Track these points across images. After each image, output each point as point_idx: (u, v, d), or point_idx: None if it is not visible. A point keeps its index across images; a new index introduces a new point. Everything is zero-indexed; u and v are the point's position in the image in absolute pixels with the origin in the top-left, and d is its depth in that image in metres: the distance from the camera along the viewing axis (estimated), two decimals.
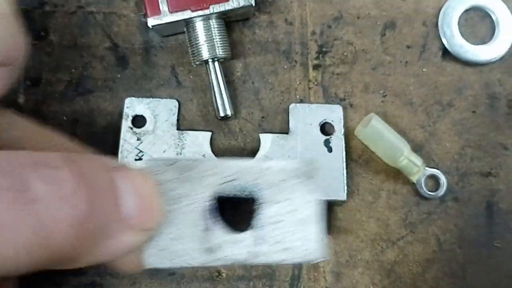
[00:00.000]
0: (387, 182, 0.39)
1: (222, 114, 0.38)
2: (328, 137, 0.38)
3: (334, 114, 0.39)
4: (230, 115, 0.38)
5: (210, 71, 0.38)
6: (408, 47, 0.41)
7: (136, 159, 0.38)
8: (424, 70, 0.40)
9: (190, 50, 0.38)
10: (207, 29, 0.37)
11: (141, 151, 0.38)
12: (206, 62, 0.38)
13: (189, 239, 0.32)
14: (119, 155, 0.38)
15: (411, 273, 0.38)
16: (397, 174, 0.38)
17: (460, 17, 0.41)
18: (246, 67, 0.40)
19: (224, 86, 0.38)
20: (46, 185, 0.22)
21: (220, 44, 0.38)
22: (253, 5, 0.37)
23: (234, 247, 0.32)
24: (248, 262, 0.32)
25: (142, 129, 0.38)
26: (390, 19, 0.41)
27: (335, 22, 0.41)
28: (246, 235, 0.32)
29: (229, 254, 0.32)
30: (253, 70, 0.40)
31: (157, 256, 0.31)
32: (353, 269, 0.38)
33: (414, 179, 0.38)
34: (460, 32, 0.41)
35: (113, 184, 0.26)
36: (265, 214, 0.32)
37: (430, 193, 0.38)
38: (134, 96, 0.39)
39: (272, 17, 0.41)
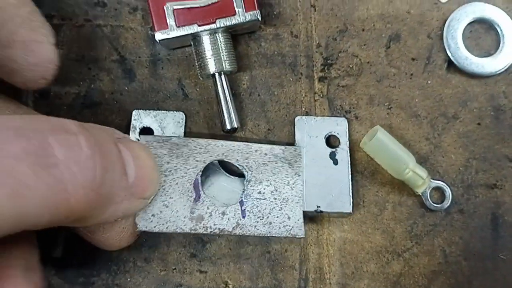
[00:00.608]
0: (392, 194, 0.39)
1: (228, 127, 0.38)
2: (333, 149, 0.38)
3: (339, 126, 0.39)
4: (236, 128, 0.38)
5: (216, 84, 0.38)
6: (413, 59, 0.41)
7: None
8: (429, 82, 0.41)
9: (197, 64, 0.39)
10: (214, 43, 0.38)
11: None
12: (213, 75, 0.38)
13: (180, 207, 0.35)
14: None
15: (417, 285, 0.38)
16: (402, 186, 0.39)
17: (464, 30, 0.41)
18: (252, 79, 0.41)
19: (231, 99, 0.38)
20: (65, 149, 0.24)
21: (227, 58, 0.38)
22: (259, 19, 0.38)
23: (222, 218, 0.35)
24: (234, 232, 0.35)
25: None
26: (395, 32, 0.41)
27: (340, 34, 0.41)
28: (233, 208, 0.36)
29: (217, 223, 0.35)
30: (259, 82, 0.41)
31: (150, 221, 0.34)
32: (358, 281, 0.38)
33: (419, 191, 0.38)
34: (465, 45, 0.41)
35: (120, 154, 0.28)
36: (252, 190, 0.36)
37: (435, 205, 0.38)
38: (141, 109, 0.39)
39: (278, 30, 0.41)
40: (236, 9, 0.37)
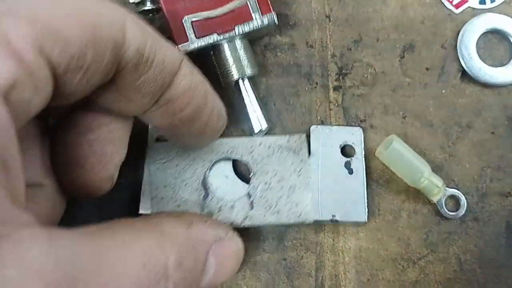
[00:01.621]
0: (407, 202, 0.39)
1: (258, 129, 0.38)
2: (348, 159, 0.39)
3: (355, 136, 0.40)
4: (265, 129, 0.38)
5: (241, 89, 0.39)
6: (427, 69, 0.41)
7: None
8: (443, 92, 0.41)
9: (219, 72, 0.39)
10: (234, 50, 0.38)
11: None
12: (236, 81, 0.39)
13: (190, 206, 0.37)
14: (144, 174, 0.39)
15: None
16: (417, 194, 0.39)
17: (478, 40, 0.42)
18: (268, 89, 0.41)
19: (257, 102, 0.39)
20: (216, 262, 0.30)
21: (248, 62, 0.39)
22: (276, 21, 0.38)
23: (231, 211, 0.37)
24: (244, 225, 0.37)
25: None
26: (409, 42, 0.42)
27: (355, 44, 0.42)
28: (241, 201, 0.37)
29: (226, 217, 0.37)
30: (275, 92, 0.41)
31: None
32: None
33: (434, 199, 0.38)
34: (479, 55, 0.41)
35: (204, 266, 0.29)
36: (258, 182, 0.37)
37: (450, 213, 0.39)
38: None
39: (294, 40, 0.42)
40: (253, 14, 0.38)
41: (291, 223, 0.37)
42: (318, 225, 0.39)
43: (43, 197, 0.31)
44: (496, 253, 0.39)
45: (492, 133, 0.40)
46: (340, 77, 0.41)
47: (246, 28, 0.38)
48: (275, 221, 0.37)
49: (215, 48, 0.39)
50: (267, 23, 0.38)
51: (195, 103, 0.32)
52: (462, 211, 0.39)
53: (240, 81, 0.39)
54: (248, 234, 0.39)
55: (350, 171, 0.39)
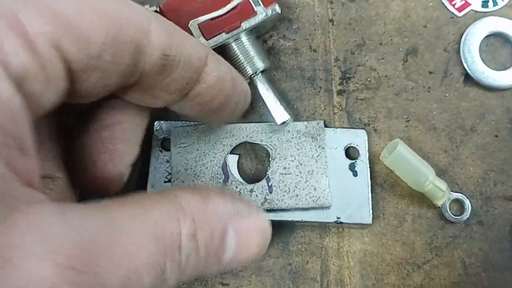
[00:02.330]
0: (412, 206, 0.39)
1: (281, 121, 0.38)
2: (353, 161, 0.39)
3: (359, 138, 0.40)
4: (288, 120, 0.38)
5: (257, 85, 0.39)
6: (430, 72, 0.41)
7: (165, 181, 0.39)
8: (446, 95, 0.41)
9: None
10: (242, 47, 0.38)
11: (170, 173, 0.39)
12: (250, 77, 0.39)
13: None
14: (149, 176, 0.39)
15: None
16: (422, 198, 0.39)
17: (481, 43, 0.42)
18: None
19: (275, 94, 0.39)
20: (237, 237, 0.29)
21: (259, 57, 0.39)
22: (279, 11, 0.38)
23: (250, 195, 0.38)
24: (263, 208, 0.37)
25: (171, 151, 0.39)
26: (412, 45, 0.42)
27: (358, 48, 0.42)
28: (260, 185, 0.38)
29: None
30: (278, 96, 0.41)
31: None
32: None
33: (439, 203, 0.38)
34: (481, 58, 0.41)
35: (223, 241, 0.29)
36: (277, 167, 0.38)
37: (455, 217, 0.39)
38: (162, 120, 0.40)
39: (297, 44, 0.42)
40: (256, 8, 0.38)
41: (309, 207, 0.37)
42: (323, 229, 0.39)
43: (54, 190, 0.31)
44: (501, 256, 0.39)
45: (496, 136, 0.40)
46: (344, 81, 0.41)
47: (252, 22, 0.38)
48: (293, 205, 0.37)
49: (224, 49, 0.39)
50: (270, 14, 0.38)
51: (223, 94, 0.32)
52: (466, 215, 0.39)
53: (256, 77, 0.39)
54: None
55: (355, 173, 0.39)
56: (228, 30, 0.38)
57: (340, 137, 0.40)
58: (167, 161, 0.39)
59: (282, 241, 0.39)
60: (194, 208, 0.27)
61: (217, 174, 0.38)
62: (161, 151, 0.39)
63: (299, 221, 0.38)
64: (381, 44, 0.42)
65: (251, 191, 0.38)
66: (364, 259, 0.39)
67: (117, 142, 0.32)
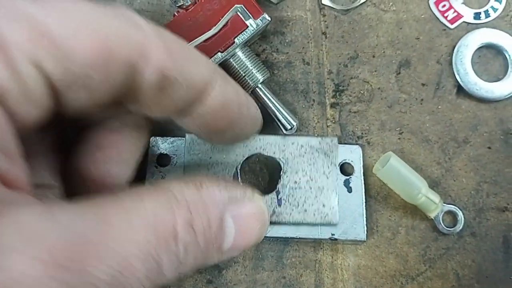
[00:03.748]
0: (405, 218, 0.40)
1: (289, 127, 0.38)
2: (347, 177, 0.39)
3: (353, 154, 0.40)
4: (295, 125, 0.39)
5: (259, 96, 0.39)
6: (423, 84, 0.42)
7: None
8: (439, 107, 0.41)
9: None
10: (240, 62, 0.38)
11: None
12: (252, 90, 0.39)
13: None
14: None
15: None
16: (415, 210, 0.39)
17: (473, 55, 0.42)
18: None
19: (279, 103, 0.39)
20: (235, 224, 0.29)
21: (257, 68, 0.39)
22: (270, 19, 0.38)
23: None
24: (271, 220, 0.37)
25: (167, 167, 0.40)
26: (405, 58, 0.42)
27: (351, 61, 0.42)
28: (270, 197, 0.38)
29: None
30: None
31: None
32: None
33: (432, 215, 0.39)
34: (474, 70, 0.42)
35: (222, 230, 0.29)
36: (288, 180, 0.38)
37: (448, 228, 0.39)
38: (158, 136, 0.40)
39: (290, 57, 0.42)
40: (246, 22, 0.38)
41: (316, 223, 0.38)
42: (317, 243, 0.39)
43: (51, 198, 0.31)
44: (494, 267, 0.39)
45: (489, 148, 0.41)
46: (337, 94, 0.42)
47: (245, 36, 0.38)
48: (301, 219, 0.38)
49: (222, 66, 0.39)
50: (261, 24, 0.38)
51: (228, 118, 0.32)
52: (459, 227, 0.39)
53: (256, 89, 0.39)
54: (247, 251, 0.39)
55: (349, 189, 0.39)
56: (223, 49, 0.38)
57: None
58: (163, 178, 0.39)
59: (276, 254, 0.39)
60: (188, 197, 0.27)
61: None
62: (156, 167, 0.39)
63: (294, 238, 0.38)
64: (374, 56, 0.42)
65: None
66: (358, 271, 0.39)
67: (110, 163, 0.32)
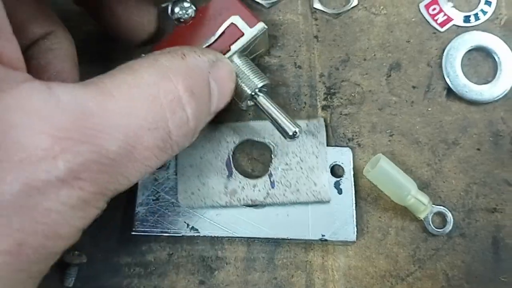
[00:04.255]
0: (395, 219, 0.40)
1: (291, 133, 0.36)
2: (338, 179, 0.40)
3: (344, 156, 0.40)
4: (298, 131, 0.36)
5: (260, 102, 0.37)
6: (414, 87, 0.42)
7: (153, 200, 0.39)
8: (429, 109, 0.42)
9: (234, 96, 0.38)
10: (237, 68, 0.37)
11: (158, 192, 0.40)
12: (252, 98, 0.38)
13: (215, 184, 0.39)
14: (138, 195, 0.39)
15: None
16: (405, 211, 0.40)
17: (463, 58, 0.42)
18: (258, 110, 0.42)
19: (278, 109, 0.37)
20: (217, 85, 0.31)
21: (255, 75, 0.38)
22: (266, 27, 0.38)
23: (253, 190, 0.39)
24: (266, 202, 0.39)
25: (160, 170, 0.40)
26: (396, 61, 0.42)
27: (342, 64, 0.43)
28: (263, 180, 0.39)
29: (248, 195, 0.39)
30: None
31: (189, 199, 0.39)
32: None
33: (421, 216, 0.39)
34: (464, 72, 0.42)
35: (210, 93, 0.31)
36: (279, 163, 0.40)
37: (437, 229, 0.39)
38: None
39: (282, 61, 0.43)
40: (243, 30, 0.38)
41: (309, 201, 0.39)
42: (307, 244, 0.40)
43: (58, 43, 0.33)
44: (483, 268, 0.39)
45: (478, 149, 0.41)
46: (328, 97, 0.42)
47: (241, 43, 0.38)
48: (294, 199, 0.39)
49: None
50: (257, 32, 0.38)
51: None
52: (448, 228, 0.39)
53: (256, 96, 0.38)
54: (238, 252, 0.40)
55: (339, 191, 0.40)
56: None
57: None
58: (156, 180, 0.40)
59: (268, 255, 0.40)
60: (178, 66, 0.28)
61: (221, 170, 0.40)
62: None
63: (284, 239, 0.39)
64: (365, 59, 0.43)
65: (254, 186, 0.39)
66: (349, 272, 0.39)
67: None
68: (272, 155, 0.40)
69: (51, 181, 0.23)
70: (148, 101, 0.26)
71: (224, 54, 0.38)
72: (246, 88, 0.37)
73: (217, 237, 0.39)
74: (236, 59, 0.38)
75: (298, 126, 0.37)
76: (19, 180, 0.22)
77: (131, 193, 0.40)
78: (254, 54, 0.41)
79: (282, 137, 0.38)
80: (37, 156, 0.23)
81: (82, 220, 0.26)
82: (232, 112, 0.41)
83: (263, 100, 0.38)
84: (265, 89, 0.38)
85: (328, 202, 0.39)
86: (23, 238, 0.23)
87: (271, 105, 0.38)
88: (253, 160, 0.41)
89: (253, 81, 0.37)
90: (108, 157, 0.25)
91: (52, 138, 0.23)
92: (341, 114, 0.42)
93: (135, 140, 0.25)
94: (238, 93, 0.37)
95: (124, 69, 0.27)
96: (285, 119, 0.37)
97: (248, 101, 0.38)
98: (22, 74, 0.24)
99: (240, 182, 0.39)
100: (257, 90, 0.38)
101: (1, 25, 0.24)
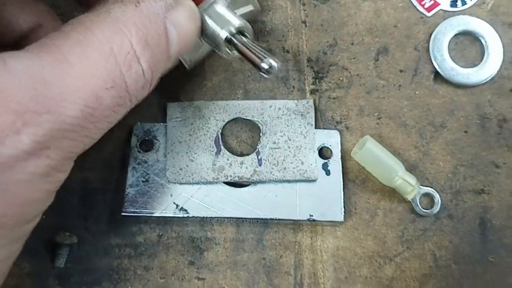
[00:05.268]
0: (383, 201, 0.40)
1: (267, 66, 0.33)
2: (326, 160, 0.40)
3: (332, 139, 0.41)
4: (277, 66, 0.33)
5: (236, 43, 0.35)
6: (401, 71, 0.43)
7: (143, 181, 0.40)
8: (416, 93, 0.42)
9: (213, 46, 0.36)
10: (214, 14, 0.35)
11: (148, 174, 0.40)
12: (229, 41, 0.35)
13: (203, 160, 0.40)
14: (128, 177, 0.40)
15: None
16: (393, 193, 0.40)
17: (450, 42, 0.43)
18: (247, 93, 0.42)
19: (257, 47, 0.34)
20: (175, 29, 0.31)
21: (233, 18, 0.35)
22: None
23: (241, 167, 0.40)
24: (252, 179, 0.39)
25: (150, 152, 0.41)
26: (383, 45, 0.43)
27: (330, 49, 0.43)
28: (250, 158, 0.40)
29: (236, 172, 0.40)
30: (253, 96, 0.42)
31: (178, 174, 0.39)
32: (352, 285, 0.39)
33: (409, 197, 0.39)
34: (451, 56, 0.42)
35: (167, 39, 0.30)
36: (267, 141, 0.40)
37: (425, 210, 0.40)
38: (140, 122, 0.41)
39: (270, 45, 0.43)
40: None
41: (296, 179, 0.39)
42: (296, 225, 0.40)
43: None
44: (471, 249, 0.40)
45: (465, 132, 0.42)
46: (317, 81, 0.43)
47: None
48: (281, 177, 0.39)
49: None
50: None
51: None
52: (436, 209, 0.40)
53: (233, 39, 0.35)
54: (227, 233, 0.40)
55: (327, 172, 0.40)
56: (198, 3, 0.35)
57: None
58: (145, 162, 0.40)
59: (257, 236, 0.40)
60: (132, 16, 0.28)
61: (210, 147, 0.40)
62: (139, 151, 0.41)
63: (273, 219, 0.39)
64: (352, 44, 0.43)
65: (242, 163, 0.40)
66: (337, 253, 0.40)
67: None
68: (261, 134, 0.40)
69: (18, 156, 0.24)
70: (103, 59, 0.26)
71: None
72: (220, 32, 0.35)
73: (206, 218, 0.39)
74: (215, 5, 0.35)
75: (276, 61, 0.34)
76: None
77: (121, 175, 0.40)
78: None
79: (270, 116, 0.40)
80: (1, 134, 0.23)
81: (52, 184, 0.27)
82: (222, 90, 0.42)
83: (239, 40, 0.35)
84: (246, 35, 0.35)
85: (315, 181, 0.39)
86: None
87: (247, 44, 0.34)
88: (242, 138, 0.42)
89: (228, 24, 0.35)
90: (70, 123, 0.25)
91: (13, 114, 0.23)
92: (329, 97, 0.42)
93: (94, 101, 0.26)
94: (214, 39, 0.35)
95: (77, 26, 0.27)
96: (263, 54, 0.34)
97: (228, 49, 0.35)
98: None
99: (228, 159, 0.40)
100: (233, 32, 0.35)
101: None
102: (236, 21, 0.35)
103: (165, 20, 0.30)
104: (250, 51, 0.34)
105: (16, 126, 0.23)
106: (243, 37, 0.35)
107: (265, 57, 0.33)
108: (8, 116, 0.23)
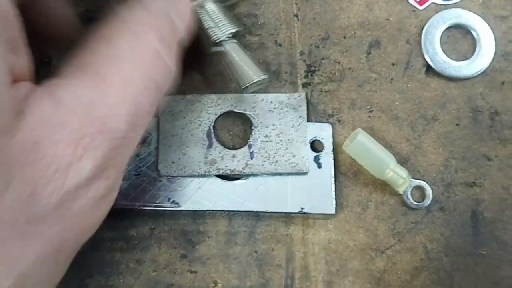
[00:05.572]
0: (375, 194, 0.41)
1: (253, 80, 0.37)
2: (317, 154, 0.40)
3: (324, 132, 0.41)
4: (261, 79, 0.37)
5: (226, 49, 0.38)
6: (393, 64, 0.43)
7: (135, 174, 0.40)
8: (408, 86, 0.42)
9: (206, 44, 0.38)
10: (208, 14, 0.38)
11: (140, 167, 0.40)
12: (220, 43, 0.38)
13: (195, 154, 0.40)
14: None
15: (400, 281, 0.39)
16: (384, 186, 0.40)
17: (442, 35, 0.43)
18: (239, 87, 0.42)
19: (248, 56, 0.38)
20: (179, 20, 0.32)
21: (226, 23, 0.38)
22: None
23: (232, 160, 0.40)
24: (244, 172, 0.40)
25: (141, 146, 0.41)
26: (375, 38, 0.43)
27: (322, 42, 0.43)
28: (242, 151, 0.40)
29: (228, 165, 0.40)
30: (244, 90, 0.42)
31: (170, 167, 0.40)
32: (343, 278, 0.39)
33: (400, 190, 0.40)
34: (443, 49, 0.42)
35: (174, 24, 0.32)
36: (259, 135, 0.40)
37: (416, 203, 0.40)
38: None
39: (263, 39, 0.43)
40: None
41: (287, 172, 0.39)
42: (288, 218, 0.40)
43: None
44: (463, 241, 0.40)
45: (457, 124, 0.42)
46: (309, 74, 0.43)
47: None
48: (273, 170, 0.39)
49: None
50: None
51: None
52: (427, 201, 0.40)
53: (224, 43, 0.38)
54: (220, 226, 0.40)
55: (319, 165, 0.40)
56: None
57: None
58: (137, 155, 0.40)
59: (249, 229, 0.40)
60: (143, 18, 0.29)
61: (202, 140, 0.40)
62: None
63: (264, 212, 0.39)
64: (344, 37, 0.43)
65: (233, 156, 0.40)
66: (329, 246, 0.40)
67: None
68: (252, 127, 0.40)
69: (81, 183, 0.25)
70: (135, 68, 0.27)
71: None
72: (214, 34, 0.37)
73: (199, 211, 0.39)
74: (208, 4, 0.38)
75: (263, 72, 0.38)
76: (56, 191, 0.24)
77: None
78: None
79: (262, 109, 0.40)
80: (65, 164, 0.24)
81: (109, 204, 0.28)
82: (214, 84, 0.42)
83: (231, 47, 0.38)
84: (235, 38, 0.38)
85: (306, 173, 0.39)
86: (62, 240, 0.25)
87: (238, 52, 0.38)
88: (234, 131, 0.42)
89: (222, 28, 0.37)
90: (120, 137, 0.26)
91: (73, 143, 0.24)
92: (321, 91, 0.42)
93: (134, 109, 0.27)
94: (206, 39, 0.38)
95: (99, 40, 0.28)
96: (251, 65, 0.38)
97: (214, 47, 0.38)
98: (24, 85, 0.25)
99: (220, 153, 0.40)
100: (225, 37, 0.38)
101: (14, 39, 0.24)
102: (232, 25, 0.37)
103: (171, 15, 0.31)
104: (241, 59, 0.37)
105: (77, 154, 0.24)
106: (236, 45, 0.38)
107: (255, 71, 0.37)
108: (69, 147, 0.24)
